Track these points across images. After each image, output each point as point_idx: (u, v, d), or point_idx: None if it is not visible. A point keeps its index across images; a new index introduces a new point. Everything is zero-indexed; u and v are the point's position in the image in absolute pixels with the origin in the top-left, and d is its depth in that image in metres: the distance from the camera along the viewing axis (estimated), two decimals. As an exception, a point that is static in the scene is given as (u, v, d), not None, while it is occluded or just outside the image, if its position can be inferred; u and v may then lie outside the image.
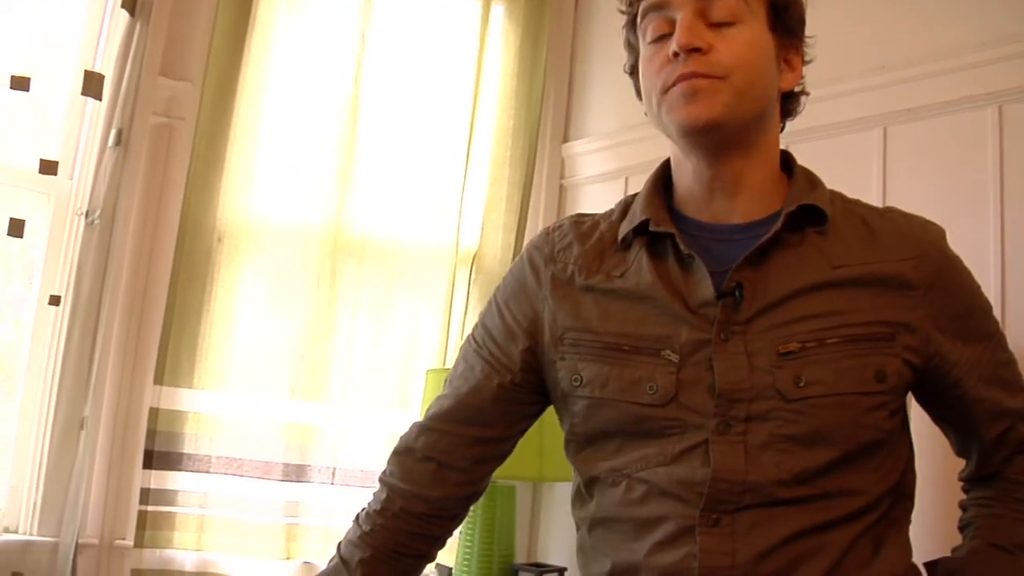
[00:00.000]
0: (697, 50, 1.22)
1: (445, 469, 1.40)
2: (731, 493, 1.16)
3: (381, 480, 1.44)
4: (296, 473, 2.80)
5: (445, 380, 1.45)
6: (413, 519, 1.39)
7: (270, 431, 2.78)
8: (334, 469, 2.86)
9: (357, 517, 1.43)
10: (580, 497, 1.35)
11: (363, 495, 2.76)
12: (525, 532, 3.19)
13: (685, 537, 1.17)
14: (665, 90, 1.25)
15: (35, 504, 2.53)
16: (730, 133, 1.24)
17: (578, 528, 1.36)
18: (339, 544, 1.42)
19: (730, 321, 1.21)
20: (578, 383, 1.29)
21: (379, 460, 2.84)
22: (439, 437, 1.41)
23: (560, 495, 3.17)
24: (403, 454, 1.43)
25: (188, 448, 2.67)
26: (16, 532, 2.53)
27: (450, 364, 2.98)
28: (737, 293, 1.21)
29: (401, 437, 1.45)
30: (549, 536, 3.19)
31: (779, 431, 1.17)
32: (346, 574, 1.37)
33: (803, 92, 1.36)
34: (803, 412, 1.17)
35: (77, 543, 2.50)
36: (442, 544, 1.46)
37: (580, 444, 1.33)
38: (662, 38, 1.27)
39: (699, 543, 1.16)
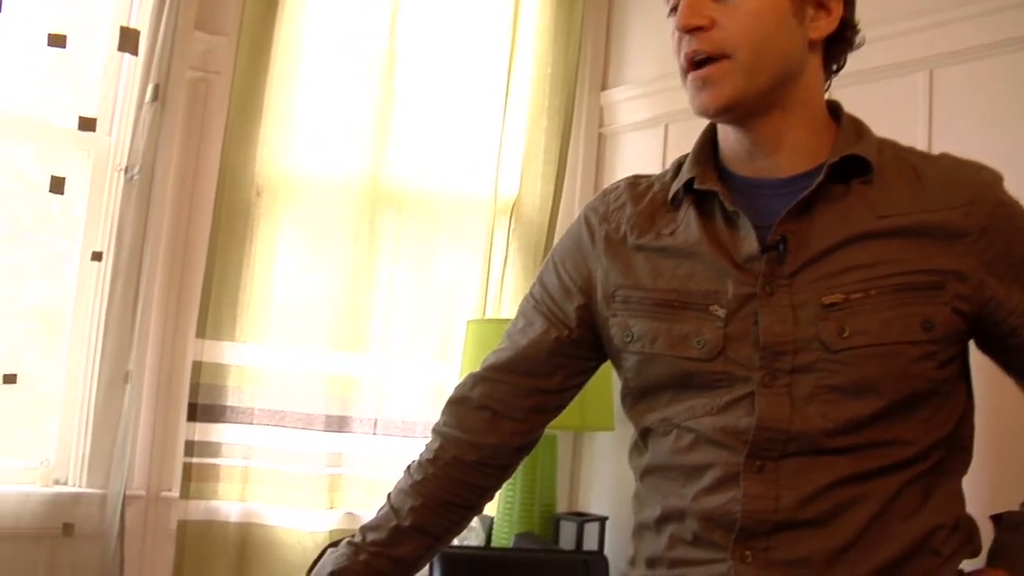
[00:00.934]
0: (699, 28, 1.22)
1: (500, 418, 1.41)
2: (775, 441, 1.17)
3: (434, 430, 1.45)
4: (338, 424, 2.82)
5: (503, 334, 1.46)
6: (465, 468, 1.41)
7: (312, 383, 2.81)
8: (376, 420, 2.88)
9: (408, 466, 1.44)
10: (637, 448, 1.37)
11: (405, 446, 2.83)
12: (566, 482, 3.21)
13: (730, 483, 1.19)
14: (683, 72, 1.28)
15: (83, 457, 2.58)
16: (750, 106, 1.24)
17: (635, 478, 1.37)
18: (389, 493, 1.43)
19: (775, 275, 1.21)
20: (629, 339, 1.31)
21: (420, 411, 2.89)
22: (495, 386, 1.42)
23: (601, 445, 3.18)
24: (458, 403, 1.45)
25: (231, 401, 2.70)
26: (66, 484, 2.58)
27: (491, 314, 3.00)
28: (781, 247, 1.21)
29: (456, 387, 1.47)
30: (590, 486, 3.20)
31: (824, 382, 1.17)
32: (396, 522, 1.38)
33: (850, 31, 1.31)
34: (847, 363, 1.17)
35: (125, 495, 2.55)
36: (491, 496, 1.48)
37: (634, 397, 1.34)
38: (675, 8, 1.27)
39: (743, 488, 1.17)
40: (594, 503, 3.16)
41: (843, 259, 1.20)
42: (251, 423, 2.72)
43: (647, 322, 1.29)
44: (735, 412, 1.20)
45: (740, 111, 1.24)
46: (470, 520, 1.47)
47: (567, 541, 2.84)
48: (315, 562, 1.40)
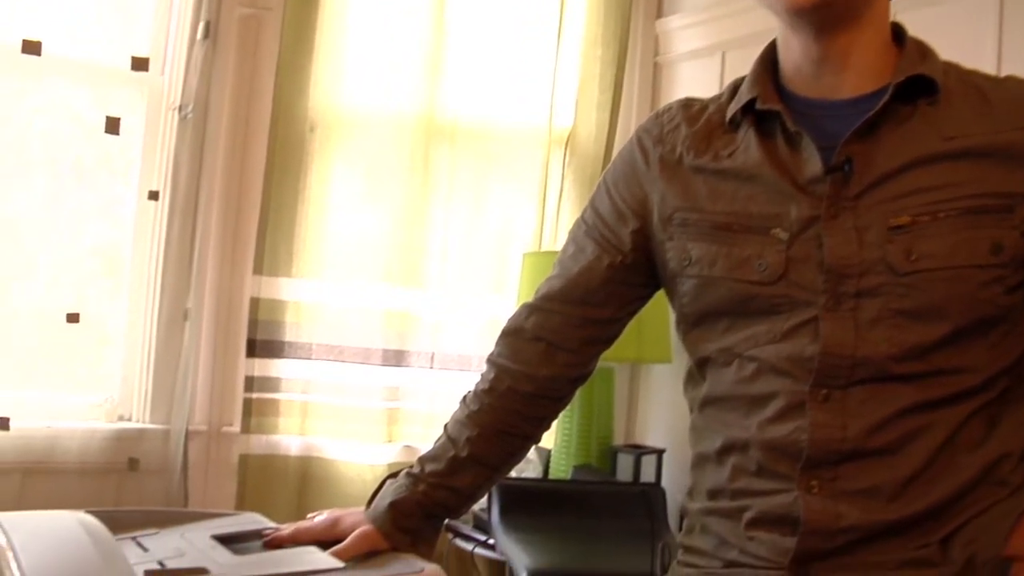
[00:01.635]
0: None
1: (554, 349, 1.39)
2: (841, 368, 1.14)
3: (489, 360, 1.44)
4: (395, 358, 2.84)
5: (554, 261, 1.44)
6: (521, 399, 1.40)
7: (369, 318, 2.82)
8: (433, 354, 2.89)
9: (464, 397, 1.44)
10: (692, 378, 1.34)
11: (461, 379, 2.84)
12: (623, 414, 3.21)
13: (795, 412, 1.16)
14: None
15: (146, 394, 2.62)
16: (839, 9, 1.19)
17: (691, 409, 1.35)
18: (446, 424, 1.43)
19: (839, 196, 1.17)
20: (687, 263, 1.28)
21: (477, 345, 2.90)
22: (548, 317, 1.40)
23: (658, 377, 3.17)
24: (512, 334, 1.43)
25: (289, 336, 2.72)
26: (130, 420, 2.63)
27: (546, 247, 2.98)
28: (846, 168, 1.18)
29: (510, 317, 1.45)
30: (647, 418, 3.20)
31: (890, 306, 1.14)
32: (453, 452, 1.38)
33: None
34: (914, 286, 1.14)
35: (187, 430, 2.59)
36: (547, 426, 1.46)
37: (690, 324, 1.32)
38: None
39: (809, 417, 1.15)
40: (651, 435, 3.15)
41: (909, 181, 1.17)
42: (309, 358, 2.74)
43: (706, 245, 1.26)
44: (799, 339, 1.17)
45: (834, 8, 1.18)
46: (527, 450, 1.46)
47: (624, 473, 2.84)
48: (375, 493, 1.40)
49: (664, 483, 2.76)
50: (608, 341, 1.43)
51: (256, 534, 1.37)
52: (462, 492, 1.39)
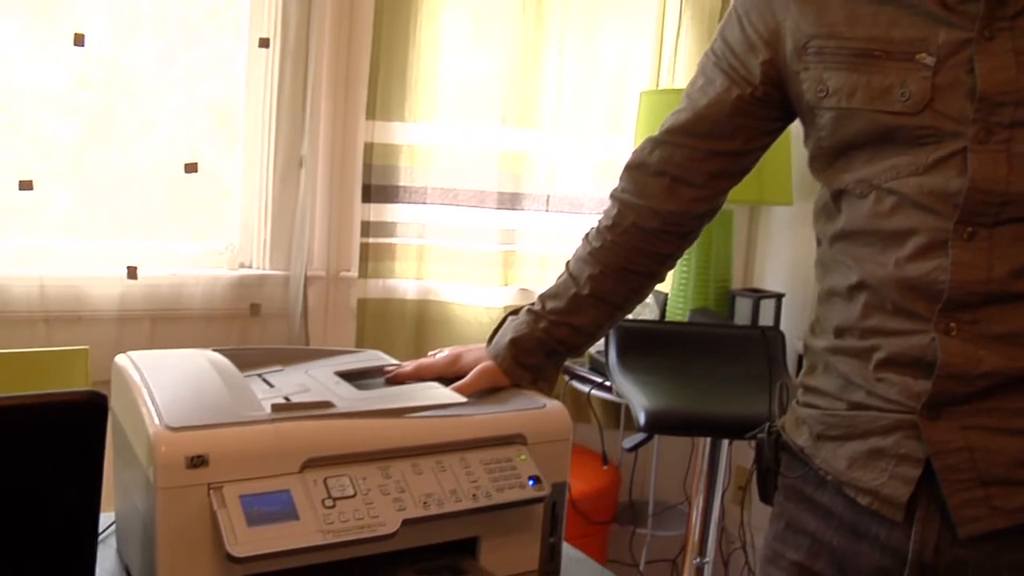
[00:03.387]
0: None
1: (679, 184, 1.35)
2: (990, 205, 1.07)
3: (612, 196, 1.40)
4: (510, 201, 2.82)
5: (683, 95, 1.38)
6: (645, 235, 1.36)
7: (483, 160, 2.80)
8: (548, 196, 2.86)
9: (587, 234, 1.41)
10: (826, 211, 1.28)
11: (576, 222, 2.81)
12: (742, 258, 3.15)
13: (936, 250, 1.09)
14: None
15: (265, 241, 2.66)
16: None
17: (819, 243, 1.30)
18: (568, 262, 1.41)
19: (995, 17, 1.07)
20: (824, 94, 1.20)
21: (592, 187, 2.86)
22: (674, 151, 1.35)
23: (779, 219, 3.10)
24: (636, 169, 1.39)
25: (404, 180, 2.72)
26: (251, 267, 2.67)
27: (664, 85, 2.90)
28: (1002, -16, 1.08)
29: (634, 152, 1.41)
30: (766, 261, 3.14)
31: None
32: (575, 290, 1.36)
33: None
34: None
35: (306, 275, 2.63)
36: (672, 264, 1.43)
37: (828, 158, 1.24)
38: None
39: (951, 256, 1.08)
40: (770, 279, 3.10)
41: (1076, 0, 1.06)
42: (424, 202, 2.74)
43: (844, 75, 1.18)
44: (944, 172, 1.09)
45: None
46: (650, 289, 1.43)
47: (742, 318, 2.81)
48: (495, 330, 1.40)
49: (783, 328, 2.72)
50: (738, 175, 1.38)
51: (378, 370, 1.39)
52: (583, 330, 1.38)
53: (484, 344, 1.39)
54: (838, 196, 1.23)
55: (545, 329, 1.35)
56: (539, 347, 1.35)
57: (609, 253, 1.36)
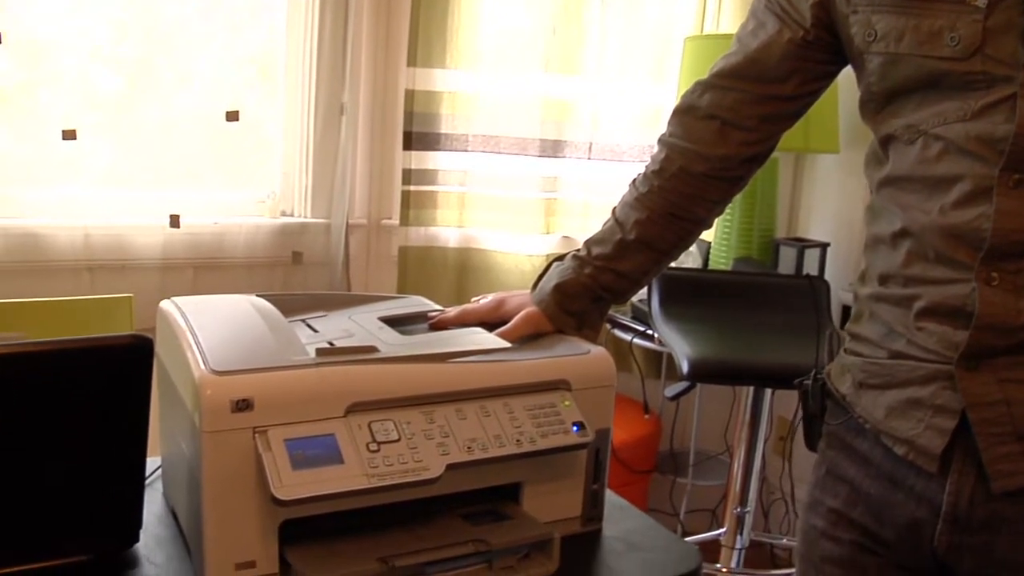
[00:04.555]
0: None
1: (729, 127, 1.32)
2: (1036, 152, 1.03)
3: (660, 141, 1.38)
4: (552, 149, 2.80)
5: (734, 37, 1.35)
6: (692, 179, 1.34)
7: (525, 108, 2.77)
8: (590, 144, 2.83)
9: (634, 179, 1.39)
10: (875, 157, 1.25)
11: (619, 170, 2.78)
12: (786, 206, 3.12)
13: (980, 198, 1.06)
14: None
15: (306, 189, 2.66)
16: None
17: (871, 190, 1.27)
18: (614, 207, 1.39)
19: (1053, -48, 1.03)
20: (872, 38, 1.16)
21: (635, 134, 2.83)
22: (724, 94, 1.33)
23: (824, 168, 3.05)
24: (684, 112, 1.36)
25: (445, 128, 2.70)
26: (292, 215, 2.68)
27: (708, 30, 2.85)
28: (1058, -82, 1.03)
29: (683, 95, 1.38)
30: (811, 210, 3.10)
31: None
32: (620, 235, 1.35)
33: None
34: None
35: (347, 223, 2.63)
36: (720, 210, 1.41)
37: (878, 104, 1.21)
38: None
39: (995, 204, 1.04)
40: (814, 229, 3.06)
41: None
42: (466, 150, 2.72)
43: (892, 18, 1.13)
44: (992, 117, 1.05)
45: None
46: (697, 235, 1.41)
47: (786, 267, 2.78)
48: (540, 276, 1.39)
49: (827, 278, 2.69)
50: (790, 119, 1.35)
51: (422, 316, 1.38)
52: (628, 276, 1.36)
53: (528, 290, 1.38)
54: (886, 142, 1.20)
55: (590, 275, 1.34)
56: (584, 293, 1.34)
57: (656, 198, 1.34)
